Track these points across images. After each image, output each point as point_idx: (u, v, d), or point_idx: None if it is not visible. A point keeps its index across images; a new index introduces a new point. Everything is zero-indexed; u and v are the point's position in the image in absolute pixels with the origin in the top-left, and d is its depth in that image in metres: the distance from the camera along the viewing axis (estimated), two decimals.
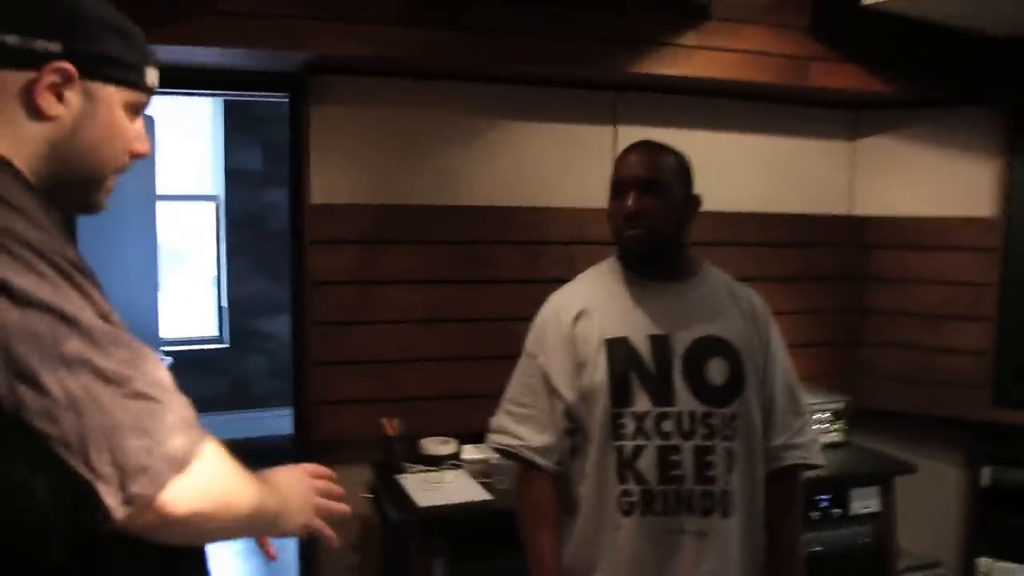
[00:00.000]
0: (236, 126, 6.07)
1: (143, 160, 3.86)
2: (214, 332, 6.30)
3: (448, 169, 3.09)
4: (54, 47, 0.97)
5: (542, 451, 1.84)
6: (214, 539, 0.97)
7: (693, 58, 3.06)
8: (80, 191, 1.06)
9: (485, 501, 2.57)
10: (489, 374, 3.10)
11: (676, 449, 1.76)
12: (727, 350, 1.83)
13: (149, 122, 4.04)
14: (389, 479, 2.76)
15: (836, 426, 3.26)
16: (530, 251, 3.17)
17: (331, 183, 2.97)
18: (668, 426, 1.77)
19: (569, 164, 3.22)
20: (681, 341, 1.81)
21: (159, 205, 4.33)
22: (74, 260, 0.89)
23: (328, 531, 1.22)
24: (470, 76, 3.06)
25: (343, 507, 1.25)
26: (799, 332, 3.57)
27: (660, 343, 1.80)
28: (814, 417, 3.17)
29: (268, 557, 1.21)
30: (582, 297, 1.90)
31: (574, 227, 3.19)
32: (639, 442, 1.76)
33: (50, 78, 0.97)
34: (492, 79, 3.09)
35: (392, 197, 3.03)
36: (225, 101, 5.91)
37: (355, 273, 2.99)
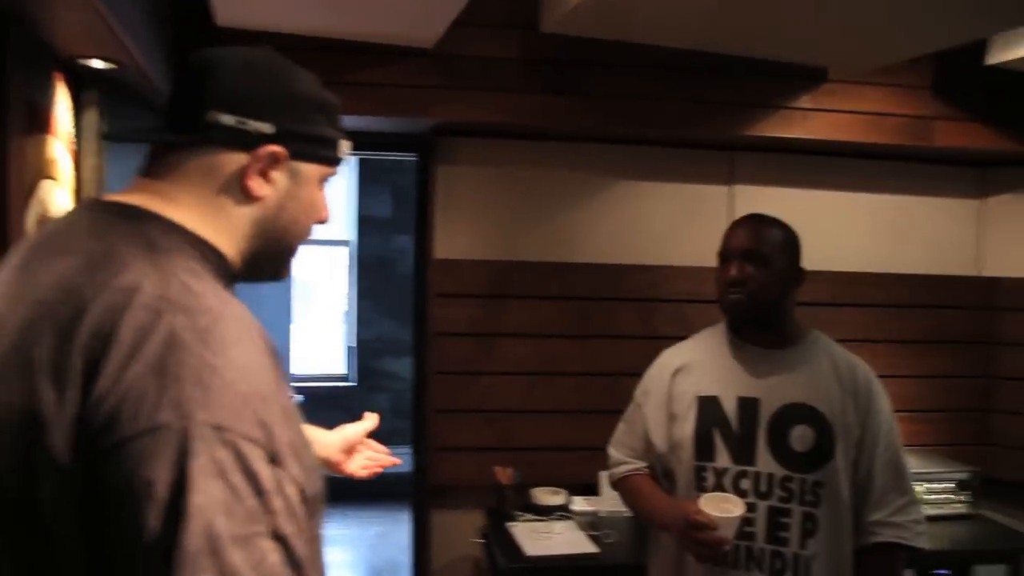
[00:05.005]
0: (367, 176, 6.40)
1: None
2: (343, 370, 6.60)
3: (566, 227, 3.20)
4: (267, 128, 0.94)
5: (639, 460, 2.09)
6: None
7: (809, 120, 3.08)
8: (275, 263, 1.05)
9: (592, 554, 2.62)
10: (601, 427, 3.15)
11: (751, 507, 1.82)
12: (816, 419, 1.87)
13: None
14: (500, 526, 2.86)
15: (961, 497, 3.14)
16: (644, 308, 3.23)
17: (455, 239, 3.13)
18: (745, 484, 1.86)
19: (684, 223, 3.27)
20: (769, 405, 1.89)
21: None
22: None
23: None
24: (589, 138, 3.18)
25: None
26: (923, 398, 3.48)
27: (748, 405, 1.90)
28: (938, 487, 3.09)
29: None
30: (687, 355, 2.05)
31: (688, 285, 3.23)
32: None
33: (263, 162, 0.95)
34: (610, 140, 3.20)
35: (512, 253, 3.16)
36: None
37: (475, 325, 3.12)
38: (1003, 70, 2.86)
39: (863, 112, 3.10)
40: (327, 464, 1.53)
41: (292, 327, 4.42)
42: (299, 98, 0.98)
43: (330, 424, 1.53)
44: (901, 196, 3.45)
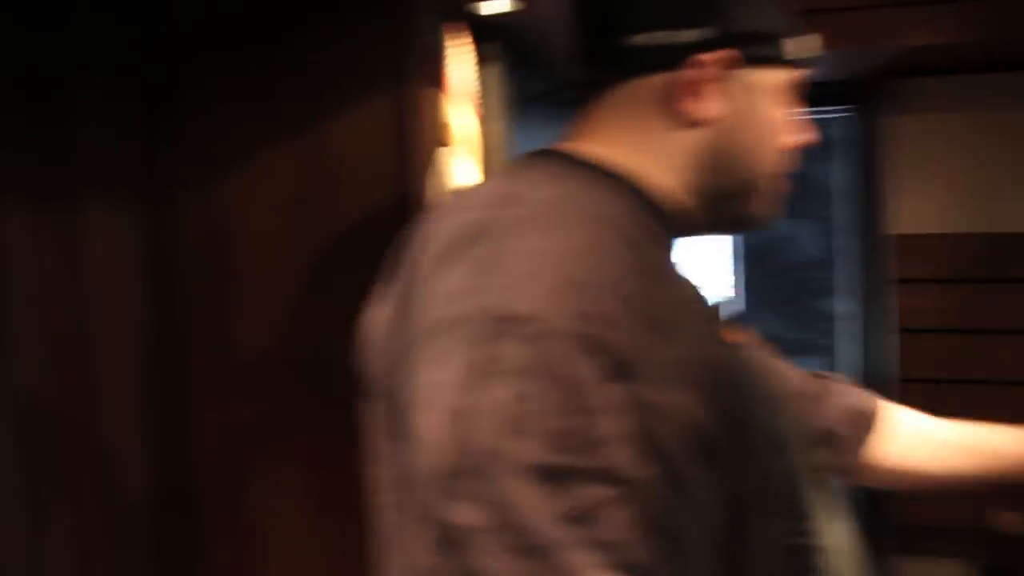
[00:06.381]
0: None
1: None
2: None
3: None
4: (706, 34, 0.76)
5: None
6: None
7: None
8: (731, 205, 0.86)
9: None
10: None
11: None
12: None
13: None
14: None
15: None
16: None
17: (916, 209, 2.50)
18: None
19: None
20: None
21: None
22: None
23: None
24: None
25: None
26: None
27: None
28: None
29: None
30: None
31: None
32: None
33: (704, 74, 0.76)
34: None
35: (999, 223, 2.46)
36: None
37: (949, 319, 2.47)
38: None
39: None
40: None
41: None
42: None
43: None
44: None
